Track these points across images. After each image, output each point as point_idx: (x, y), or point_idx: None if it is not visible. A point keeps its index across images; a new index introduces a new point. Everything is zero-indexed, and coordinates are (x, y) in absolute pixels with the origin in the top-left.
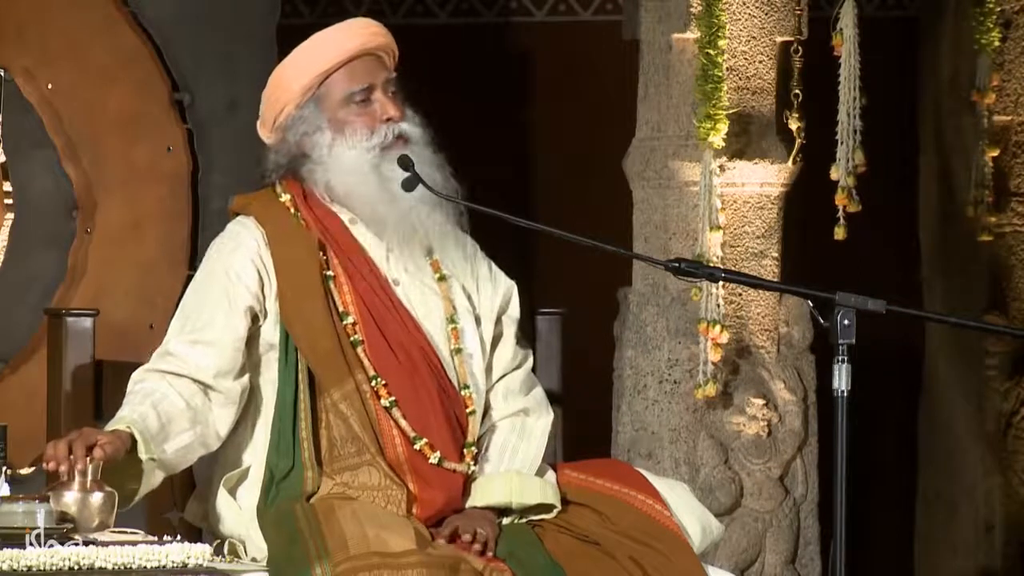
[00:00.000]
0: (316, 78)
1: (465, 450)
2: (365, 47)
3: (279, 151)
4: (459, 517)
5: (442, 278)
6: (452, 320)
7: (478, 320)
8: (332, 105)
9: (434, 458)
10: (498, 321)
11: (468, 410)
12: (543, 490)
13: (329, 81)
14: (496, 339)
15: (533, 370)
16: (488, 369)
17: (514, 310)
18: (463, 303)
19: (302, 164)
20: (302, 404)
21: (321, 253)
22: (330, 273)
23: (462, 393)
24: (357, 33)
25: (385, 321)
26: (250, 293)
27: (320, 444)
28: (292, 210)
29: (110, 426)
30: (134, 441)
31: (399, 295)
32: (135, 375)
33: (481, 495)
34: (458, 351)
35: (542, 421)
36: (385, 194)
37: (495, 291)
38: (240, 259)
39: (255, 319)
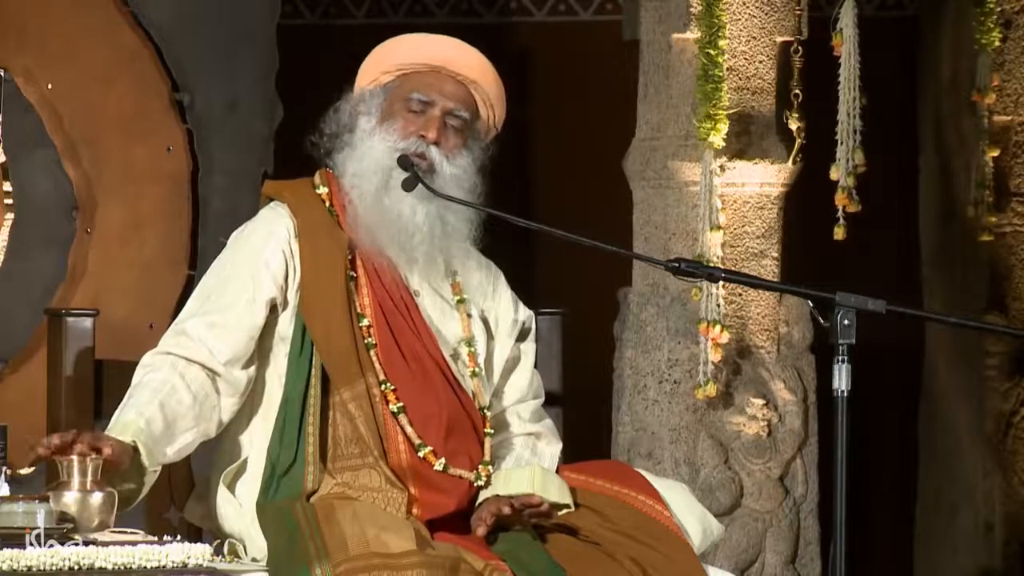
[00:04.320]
0: (396, 68)
1: (481, 467)
2: (451, 67)
3: (335, 119)
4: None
5: (461, 301)
6: (469, 344)
7: (493, 342)
8: (394, 98)
9: (439, 465)
10: (516, 343)
11: (486, 430)
12: (561, 490)
13: (405, 78)
14: (513, 363)
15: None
16: (499, 392)
17: (532, 339)
18: (480, 326)
19: (340, 145)
20: (312, 399)
21: (348, 252)
22: (353, 274)
23: (481, 413)
24: (453, 52)
25: (400, 328)
26: (275, 284)
27: (326, 441)
28: (327, 203)
29: (115, 428)
30: (136, 451)
31: (418, 306)
32: (145, 358)
33: (503, 485)
34: (475, 374)
35: (551, 448)
36: (381, 197)
37: (516, 318)
38: (271, 247)
39: (273, 309)
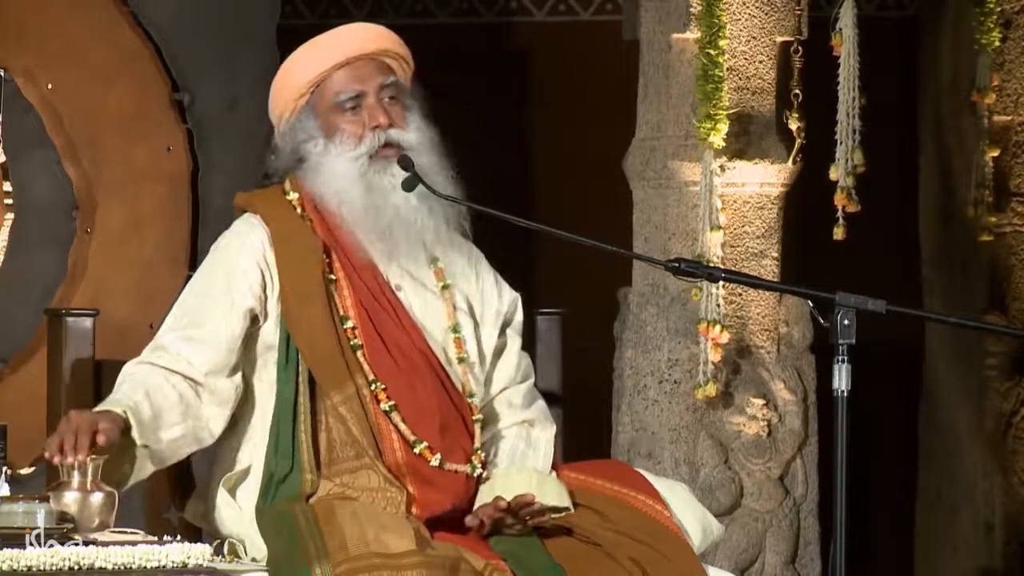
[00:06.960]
0: (307, 85)
1: (473, 456)
2: (354, 53)
3: (279, 156)
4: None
5: (445, 287)
6: (455, 330)
7: (480, 328)
8: (324, 111)
9: (435, 461)
10: (502, 332)
11: (474, 417)
12: (559, 492)
13: (321, 88)
14: (499, 350)
15: (533, 371)
16: (489, 379)
17: (519, 322)
18: (465, 312)
19: (299, 169)
20: (302, 406)
21: (324, 255)
22: (332, 276)
23: (468, 401)
24: (346, 39)
25: (385, 326)
26: (252, 295)
27: (319, 447)
28: (299, 210)
29: (103, 407)
30: (127, 425)
31: (401, 300)
32: (126, 367)
33: (502, 488)
34: (461, 360)
35: (546, 433)
36: (372, 203)
37: (500, 301)
38: (245, 259)
39: (255, 320)
